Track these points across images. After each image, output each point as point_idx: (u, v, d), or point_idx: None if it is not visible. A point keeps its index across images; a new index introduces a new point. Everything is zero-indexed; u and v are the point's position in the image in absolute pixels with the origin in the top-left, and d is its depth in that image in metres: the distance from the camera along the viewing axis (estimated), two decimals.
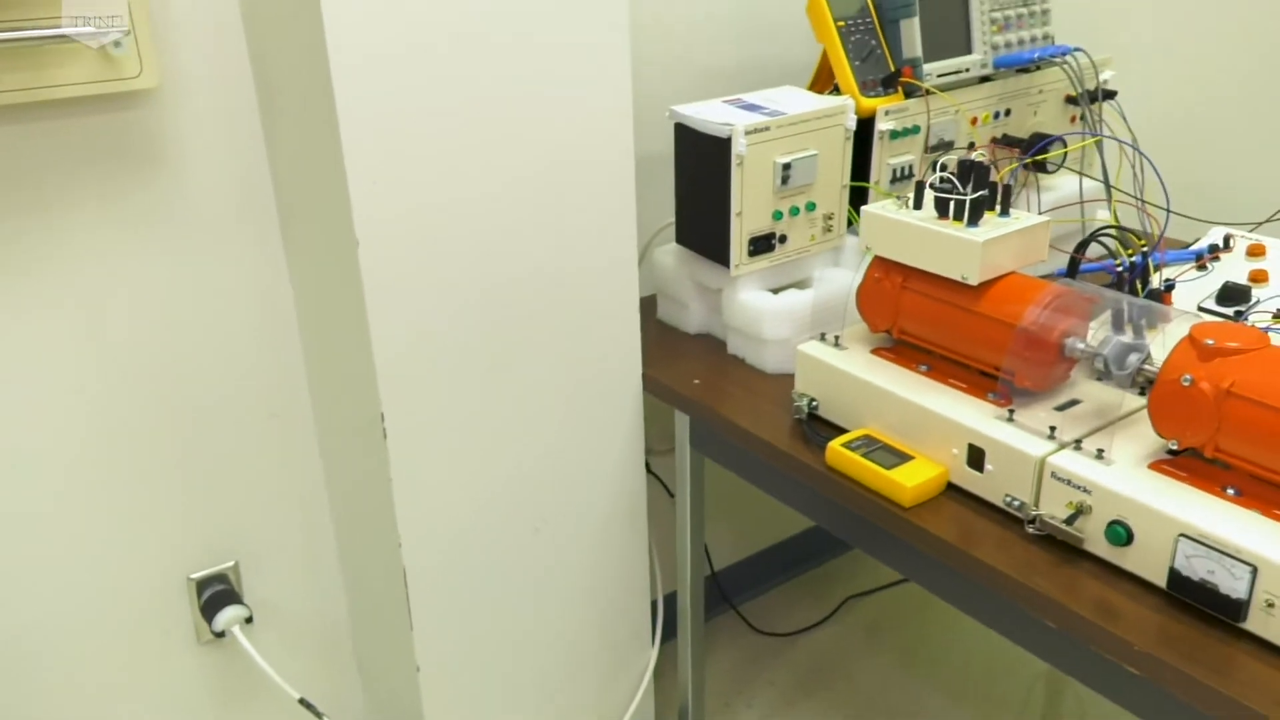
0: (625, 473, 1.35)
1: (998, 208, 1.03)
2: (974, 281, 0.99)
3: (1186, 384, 0.84)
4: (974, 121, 1.41)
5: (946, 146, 1.38)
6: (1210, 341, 0.84)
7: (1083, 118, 1.51)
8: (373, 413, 1.10)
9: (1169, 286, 1.00)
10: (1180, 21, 2.04)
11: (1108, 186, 1.22)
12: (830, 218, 1.32)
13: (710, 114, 1.24)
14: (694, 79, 1.49)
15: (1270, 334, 0.95)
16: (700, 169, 1.27)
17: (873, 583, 1.95)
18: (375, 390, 1.09)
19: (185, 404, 1.20)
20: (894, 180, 1.35)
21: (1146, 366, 0.91)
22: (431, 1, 0.99)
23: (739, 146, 1.19)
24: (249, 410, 1.24)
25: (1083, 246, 1.05)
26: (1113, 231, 1.03)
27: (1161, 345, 0.93)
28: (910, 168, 1.36)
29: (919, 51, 1.31)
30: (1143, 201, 1.15)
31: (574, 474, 1.30)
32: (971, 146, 1.41)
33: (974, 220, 1.00)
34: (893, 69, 1.33)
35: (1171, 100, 2.09)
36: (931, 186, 1.03)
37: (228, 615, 1.25)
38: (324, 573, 1.36)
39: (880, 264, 1.10)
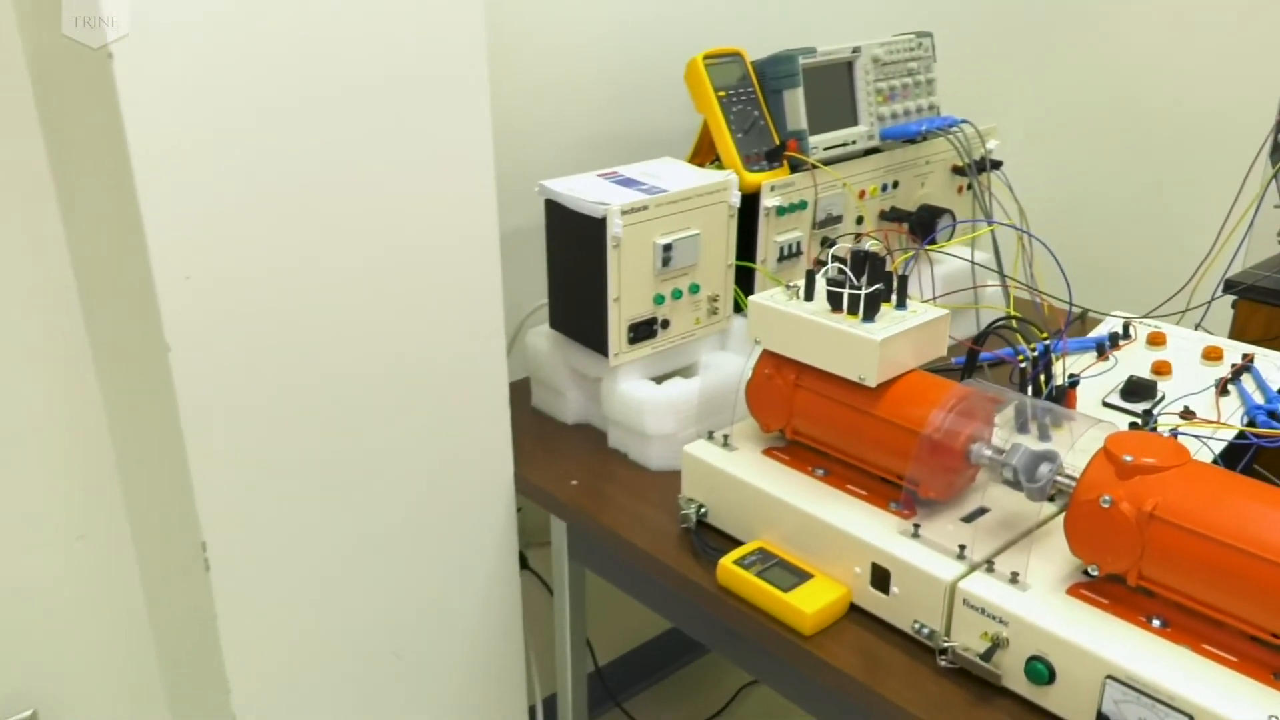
0: (497, 581, 1.22)
1: (894, 299, 0.95)
2: (872, 383, 0.90)
3: (1106, 505, 0.76)
4: (861, 195, 1.34)
5: (834, 221, 1.31)
6: (1128, 458, 0.77)
7: (970, 188, 1.47)
8: (192, 541, 0.95)
9: (1073, 382, 0.94)
10: (1064, 94, 2.05)
11: (1001, 275, 1.17)
12: (715, 300, 1.22)
13: (583, 190, 1.13)
14: (566, 148, 1.39)
15: (1180, 437, 0.89)
16: (574, 250, 1.16)
17: None
18: (194, 515, 0.93)
19: None
20: (781, 259, 1.27)
21: (1060, 477, 0.83)
22: (247, 75, 0.86)
23: (615, 228, 1.08)
24: (49, 531, 1.06)
25: (982, 339, 0.98)
26: (1012, 323, 0.96)
27: (1069, 445, 0.86)
28: (798, 245, 1.28)
29: (804, 124, 1.23)
30: (1037, 291, 1.10)
31: (438, 589, 1.15)
32: (860, 222, 1.35)
33: (869, 315, 0.92)
34: (777, 141, 1.25)
35: (1057, 171, 2.10)
36: (825, 278, 0.94)
37: None
38: None
39: (770, 359, 1.00)
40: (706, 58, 1.22)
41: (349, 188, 0.95)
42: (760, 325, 0.99)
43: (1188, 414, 0.93)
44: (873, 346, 0.89)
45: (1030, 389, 0.92)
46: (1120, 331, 1.06)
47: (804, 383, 0.98)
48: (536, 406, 1.34)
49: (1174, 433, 0.89)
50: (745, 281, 1.26)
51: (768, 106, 1.25)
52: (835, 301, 0.94)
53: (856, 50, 1.28)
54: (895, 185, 1.39)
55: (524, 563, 1.27)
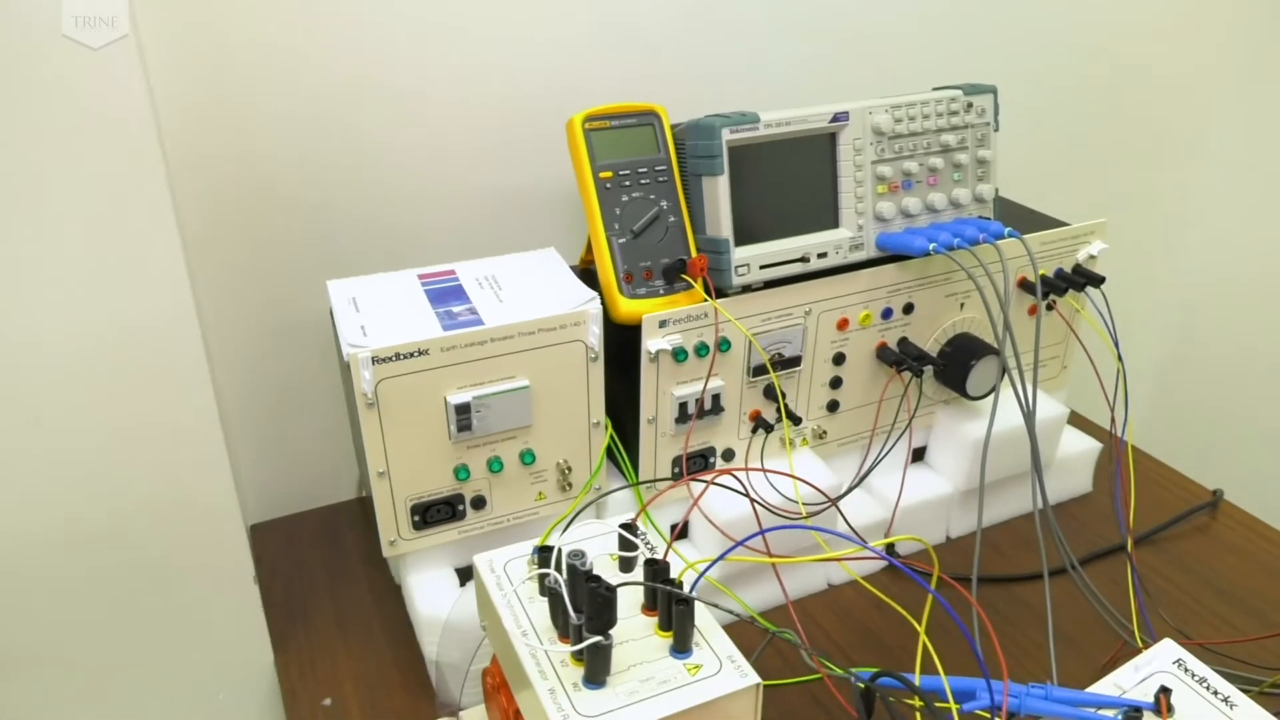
0: None
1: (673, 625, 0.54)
2: None
3: None
4: (843, 324, 0.90)
5: (790, 364, 0.88)
6: None
7: (1049, 308, 0.99)
8: None
9: None
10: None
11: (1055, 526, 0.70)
12: (568, 471, 0.84)
13: (368, 304, 0.78)
14: (453, 214, 1.02)
15: None
16: (347, 390, 0.81)
17: None
18: None
19: None
20: (686, 418, 0.86)
21: None
22: None
23: (364, 382, 0.72)
24: None
25: None
26: None
27: None
28: (717, 399, 0.86)
29: (725, 230, 0.80)
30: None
31: None
32: (840, 362, 0.91)
33: (595, 677, 0.52)
34: (694, 251, 0.83)
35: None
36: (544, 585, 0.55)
37: None
38: None
39: (499, 664, 0.62)
40: (591, 119, 0.81)
41: None
42: (485, 607, 0.61)
43: None
44: None
45: None
46: None
47: None
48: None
49: None
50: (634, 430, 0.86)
51: (687, 198, 0.83)
52: (558, 616, 0.55)
53: (841, 117, 0.83)
54: (909, 310, 0.93)
55: None
